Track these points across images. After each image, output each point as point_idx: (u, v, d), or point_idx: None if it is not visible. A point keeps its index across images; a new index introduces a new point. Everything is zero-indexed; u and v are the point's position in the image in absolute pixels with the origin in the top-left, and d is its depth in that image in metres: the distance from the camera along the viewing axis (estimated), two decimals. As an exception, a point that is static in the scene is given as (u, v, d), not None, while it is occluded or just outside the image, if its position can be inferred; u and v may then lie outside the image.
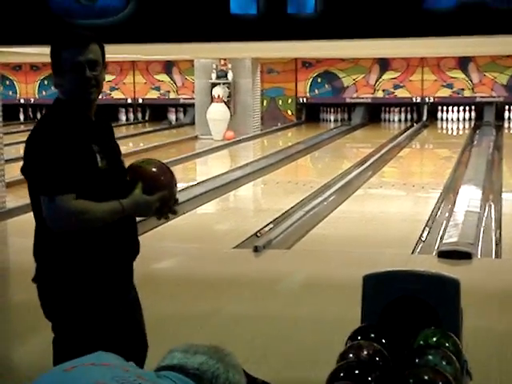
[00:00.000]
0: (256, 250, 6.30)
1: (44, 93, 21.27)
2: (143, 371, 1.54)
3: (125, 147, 15.66)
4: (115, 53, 13.21)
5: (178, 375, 1.55)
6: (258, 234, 7.00)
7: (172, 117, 20.45)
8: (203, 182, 10.24)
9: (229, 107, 16.59)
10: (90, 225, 2.53)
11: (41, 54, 13.94)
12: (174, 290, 5.34)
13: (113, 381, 1.44)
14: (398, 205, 9.13)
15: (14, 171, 11.09)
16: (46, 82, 21.18)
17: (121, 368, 1.51)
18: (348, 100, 19.11)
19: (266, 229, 7.16)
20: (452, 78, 18.41)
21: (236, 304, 4.95)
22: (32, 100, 21.39)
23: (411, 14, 5.79)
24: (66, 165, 2.50)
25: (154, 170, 2.75)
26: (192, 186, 9.78)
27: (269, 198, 9.52)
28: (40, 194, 2.54)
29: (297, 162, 12.69)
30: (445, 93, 18.50)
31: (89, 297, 2.55)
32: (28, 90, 21.35)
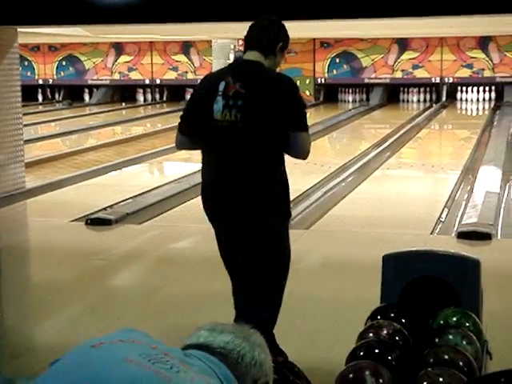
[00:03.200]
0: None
1: (62, 73, 21.31)
2: (171, 348, 1.54)
3: (143, 128, 15.69)
4: (132, 33, 13.19)
5: (205, 354, 1.56)
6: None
7: (190, 97, 20.43)
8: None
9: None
10: None
11: (59, 34, 13.96)
12: (195, 269, 5.37)
13: (140, 358, 1.45)
14: (416, 186, 9.09)
15: (33, 152, 11.16)
16: (64, 63, 21.22)
17: (148, 345, 1.52)
18: (366, 80, 19.00)
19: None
20: (472, 57, 18.24)
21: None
22: (50, 81, 21.43)
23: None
24: None
25: None
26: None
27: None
28: (303, 130, 3.34)
29: (315, 143, 12.59)
30: (464, 73, 18.34)
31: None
32: (46, 70, 21.39)
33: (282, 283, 3.44)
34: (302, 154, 3.38)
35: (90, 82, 21.10)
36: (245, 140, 3.32)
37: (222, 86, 3.33)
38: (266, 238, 3.36)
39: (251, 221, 3.34)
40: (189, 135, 3.52)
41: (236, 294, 3.50)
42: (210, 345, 1.58)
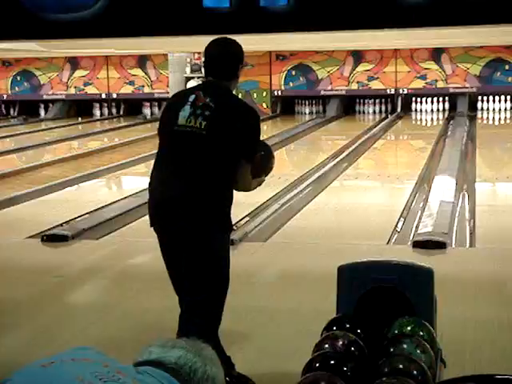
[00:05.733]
0: (232, 243, 6.31)
1: (17, 89, 21.09)
2: (123, 366, 1.53)
3: (100, 142, 15.59)
4: (88, 47, 13.14)
5: (157, 370, 1.55)
6: (234, 228, 7.00)
7: (147, 111, 20.36)
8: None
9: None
10: None
11: (12, 49, 13.83)
12: (152, 284, 5.34)
13: (92, 376, 1.44)
14: (373, 196, 9.17)
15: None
16: (18, 78, 21.00)
17: (100, 363, 1.51)
18: (322, 92, 19.12)
19: (242, 222, 7.17)
20: (425, 69, 18.48)
21: (213, 297, 4.95)
22: (5, 96, 21.18)
23: (385, 5, 5.82)
24: None
25: None
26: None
27: (245, 191, 9.49)
28: (249, 160, 3.48)
29: (272, 155, 12.69)
30: (418, 84, 18.57)
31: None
32: (1, 85, 21.15)
33: (221, 294, 3.48)
34: (242, 185, 3.54)
35: (45, 96, 20.91)
36: (204, 148, 3.41)
37: (191, 97, 3.47)
38: (209, 247, 3.42)
39: (195, 228, 3.40)
40: None
41: (181, 304, 3.53)
42: (162, 361, 1.57)
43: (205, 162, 3.42)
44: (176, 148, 3.47)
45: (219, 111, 3.43)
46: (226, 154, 3.43)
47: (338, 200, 8.74)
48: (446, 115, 18.04)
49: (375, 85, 18.79)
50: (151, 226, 3.57)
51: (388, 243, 6.54)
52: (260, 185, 3.70)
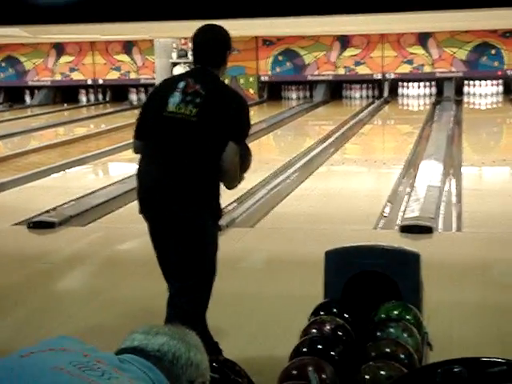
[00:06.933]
0: (220, 228, 6.30)
1: (2, 75, 20.93)
2: (104, 355, 1.52)
3: (86, 129, 15.52)
4: (73, 33, 13.04)
5: (139, 358, 1.55)
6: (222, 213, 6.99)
7: (133, 97, 20.27)
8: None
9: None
10: None
11: (-3, 35, 13.72)
12: (140, 271, 5.34)
13: (70, 366, 1.44)
14: (360, 181, 9.19)
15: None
16: (3, 64, 20.85)
17: (80, 353, 1.51)
18: (309, 77, 19.09)
19: (230, 207, 7.16)
20: (412, 53, 18.47)
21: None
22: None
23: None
24: None
25: None
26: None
27: (232, 176, 9.46)
28: (239, 143, 3.47)
29: (259, 141, 12.69)
30: (405, 69, 18.58)
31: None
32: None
33: (209, 280, 3.49)
34: (228, 162, 3.45)
35: (30, 83, 20.78)
36: (194, 135, 3.40)
37: (181, 84, 3.47)
38: (199, 234, 3.43)
39: (186, 215, 3.40)
40: (143, 138, 3.56)
41: (169, 289, 3.54)
42: (145, 348, 1.56)
43: (195, 149, 3.41)
44: (165, 134, 3.46)
45: (209, 98, 3.43)
46: (216, 141, 3.43)
47: (325, 185, 8.74)
48: (433, 100, 18.07)
49: (362, 70, 18.77)
50: (140, 212, 3.56)
51: (375, 228, 6.56)
52: (240, 182, 3.67)
